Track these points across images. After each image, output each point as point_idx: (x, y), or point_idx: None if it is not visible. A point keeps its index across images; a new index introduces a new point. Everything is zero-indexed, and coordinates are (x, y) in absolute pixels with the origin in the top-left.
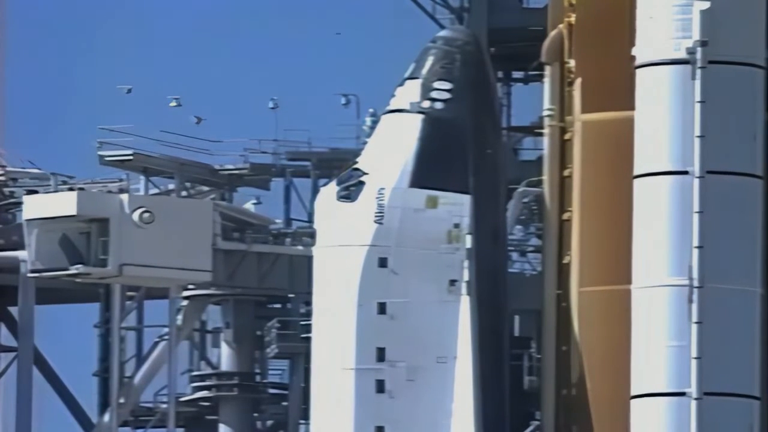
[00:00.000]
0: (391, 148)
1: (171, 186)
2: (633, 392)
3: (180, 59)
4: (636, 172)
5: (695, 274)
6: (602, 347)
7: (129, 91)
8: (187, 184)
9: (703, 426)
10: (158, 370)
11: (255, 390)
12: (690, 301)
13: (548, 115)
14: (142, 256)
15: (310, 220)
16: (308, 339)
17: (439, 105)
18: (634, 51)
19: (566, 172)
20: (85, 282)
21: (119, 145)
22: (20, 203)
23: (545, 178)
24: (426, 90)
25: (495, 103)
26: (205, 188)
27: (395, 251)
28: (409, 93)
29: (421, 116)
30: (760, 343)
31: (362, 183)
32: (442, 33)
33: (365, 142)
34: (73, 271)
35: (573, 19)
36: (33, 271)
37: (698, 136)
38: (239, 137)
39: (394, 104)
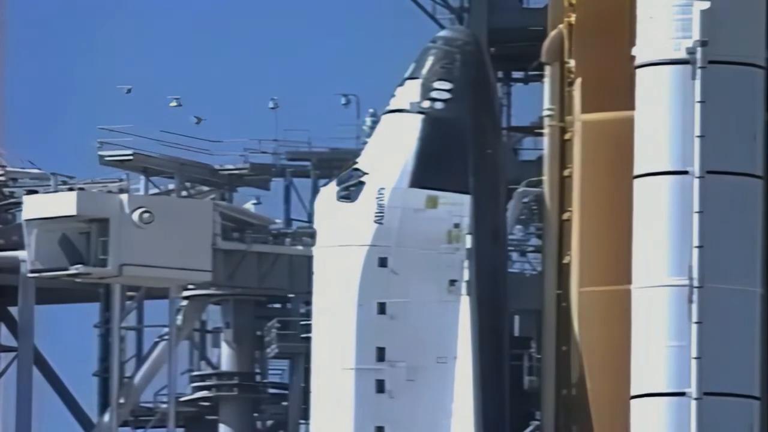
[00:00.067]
0: (391, 148)
1: (171, 186)
2: (633, 392)
3: (180, 59)
4: (636, 172)
5: (695, 274)
6: (602, 347)
7: (129, 91)
8: (187, 184)
9: (703, 426)
10: (158, 370)
11: (255, 390)
12: (690, 301)
13: (548, 115)
14: (142, 256)
15: (310, 220)
16: (308, 339)
17: (439, 105)
18: (634, 51)
19: (566, 172)
20: (85, 282)
21: (119, 145)
22: (20, 203)
23: (545, 178)
24: (426, 90)
25: (495, 103)
26: (205, 188)
27: (395, 251)
28: (409, 93)
29: (421, 116)
30: (760, 343)
31: (362, 183)
32: (442, 33)
33: (365, 142)
34: (73, 271)
35: (573, 19)
36: (33, 271)
37: (698, 136)
38: (239, 137)
39: (394, 104)
